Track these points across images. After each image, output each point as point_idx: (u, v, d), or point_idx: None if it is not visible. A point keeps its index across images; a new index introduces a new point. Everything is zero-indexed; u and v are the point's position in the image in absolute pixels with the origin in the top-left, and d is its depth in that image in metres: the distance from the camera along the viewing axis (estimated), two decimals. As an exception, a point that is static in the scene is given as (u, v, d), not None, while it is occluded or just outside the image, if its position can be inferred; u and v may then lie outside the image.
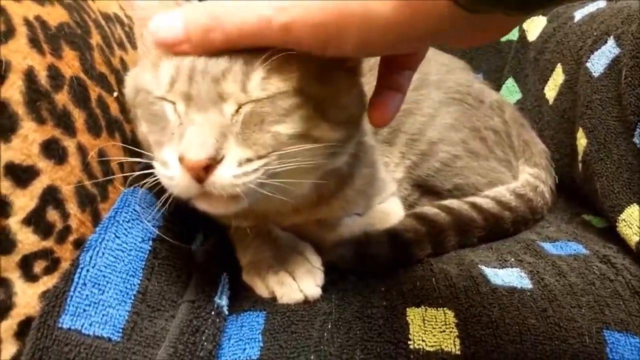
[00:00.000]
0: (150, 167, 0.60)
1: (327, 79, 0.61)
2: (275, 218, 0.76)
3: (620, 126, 0.82)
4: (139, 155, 0.63)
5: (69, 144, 0.62)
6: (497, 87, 1.35)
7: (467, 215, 0.83)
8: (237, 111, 0.57)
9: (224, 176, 0.55)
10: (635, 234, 0.73)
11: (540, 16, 1.33)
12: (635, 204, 0.75)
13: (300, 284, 0.67)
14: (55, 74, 0.62)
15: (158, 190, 0.61)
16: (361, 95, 0.66)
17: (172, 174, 0.56)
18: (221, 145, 0.55)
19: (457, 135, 0.94)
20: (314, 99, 0.59)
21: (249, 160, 0.56)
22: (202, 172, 0.54)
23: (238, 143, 0.56)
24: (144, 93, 0.61)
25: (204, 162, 0.53)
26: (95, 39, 0.73)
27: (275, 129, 0.57)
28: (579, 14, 1.14)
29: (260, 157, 0.56)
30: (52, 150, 0.60)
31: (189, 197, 0.58)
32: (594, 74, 0.91)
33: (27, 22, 0.60)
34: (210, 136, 0.54)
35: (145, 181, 0.61)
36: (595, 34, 0.98)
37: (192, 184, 0.55)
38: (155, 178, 0.59)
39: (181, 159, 0.54)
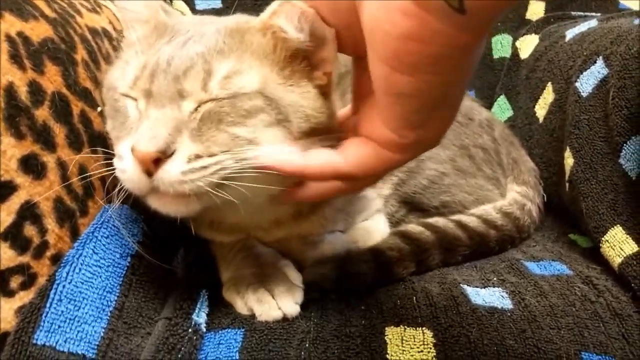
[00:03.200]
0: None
1: (293, 85, 0.61)
2: (257, 233, 0.76)
3: (607, 147, 0.81)
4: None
5: (49, 159, 0.62)
6: (489, 104, 1.36)
7: (452, 233, 0.83)
8: (196, 109, 0.57)
9: (172, 171, 0.54)
10: (618, 255, 0.73)
11: (533, 34, 1.34)
12: (619, 225, 0.75)
13: (280, 302, 0.66)
14: (36, 90, 0.62)
15: (139, 203, 0.61)
16: (330, 109, 0.64)
17: (124, 167, 0.56)
18: (174, 139, 0.55)
19: (445, 153, 0.94)
20: (277, 105, 0.59)
21: (198, 156, 0.55)
22: (152, 165, 0.54)
23: (192, 139, 0.56)
24: (112, 90, 0.62)
25: (154, 154, 0.53)
26: (81, 54, 0.73)
27: (232, 130, 0.57)
28: (570, 33, 1.15)
29: (211, 155, 0.56)
30: (31, 166, 0.60)
31: (141, 193, 0.58)
32: (582, 93, 0.91)
33: (9, 38, 0.61)
34: (162, 130, 0.54)
35: (121, 189, 0.61)
36: (585, 53, 0.98)
37: (142, 178, 0.55)
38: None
39: (132, 150, 0.54)
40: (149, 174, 0.54)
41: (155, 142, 0.53)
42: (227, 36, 0.61)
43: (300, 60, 0.62)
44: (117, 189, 0.60)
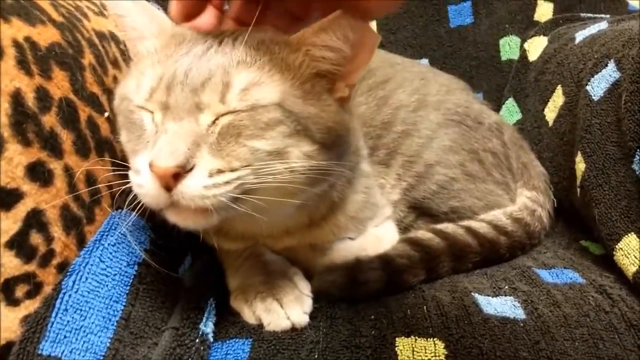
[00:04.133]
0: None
1: (313, 99, 0.61)
2: (266, 240, 0.75)
3: (619, 152, 0.80)
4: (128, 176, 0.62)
5: (55, 166, 0.62)
6: (498, 107, 1.34)
7: (462, 240, 0.82)
8: (214, 122, 0.57)
9: (193, 186, 0.54)
10: (633, 263, 0.72)
11: (542, 36, 1.33)
12: (633, 232, 0.74)
13: (288, 311, 0.65)
14: (43, 96, 0.61)
15: (141, 208, 0.61)
16: (350, 119, 0.65)
17: (141, 182, 0.56)
18: (193, 154, 0.54)
19: (454, 158, 0.93)
20: (296, 117, 0.58)
21: (220, 171, 0.55)
22: (171, 180, 0.53)
23: (212, 154, 0.55)
24: (127, 101, 0.62)
25: (173, 169, 0.53)
26: (88, 58, 0.72)
27: (252, 143, 0.57)
28: (580, 36, 1.13)
29: (233, 170, 0.55)
30: (38, 173, 0.59)
31: (159, 208, 0.57)
32: (593, 97, 0.90)
33: (16, 44, 0.60)
34: (181, 144, 0.54)
35: (131, 197, 0.60)
36: (595, 56, 0.97)
37: (161, 193, 0.54)
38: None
39: (151, 166, 0.54)
40: (168, 188, 0.54)
41: (174, 157, 0.53)
42: (252, 47, 0.60)
43: (324, 78, 0.63)
44: (126, 197, 0.59)
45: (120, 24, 0.65)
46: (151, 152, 0.55)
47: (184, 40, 0.62)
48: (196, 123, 0.56)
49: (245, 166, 0.56)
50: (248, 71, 0.58)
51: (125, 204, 0.62)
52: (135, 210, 0.60)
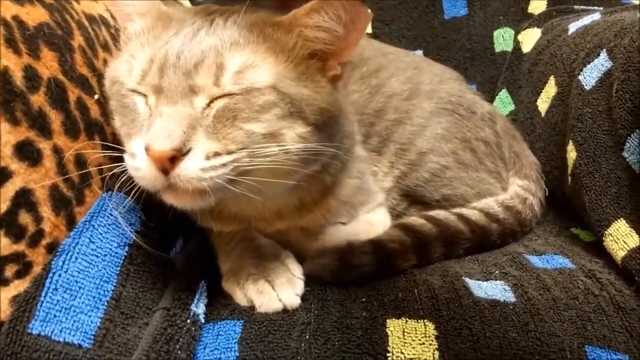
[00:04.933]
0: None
1: (307, 81, 0.61)
2: (258, 223, 0.75)
3: (610, 140, 0.81)
4: (120, 158, 0.62)
5: (44, 145, 0.61)
6: (491, 98, 1.35)
7: (453, 226, 0.82)
8: (208, 105, 0.57)
9: (190, 168, 0.54)
10: (622, 248, 0.72)
11: (535, 28, 1.33)
12: (622, 218, 0.74)
13: (280, 293, 0.65)
14: (31, 75, 0.61)
15: (137, 191, 0.61)
16: (343, 101, 0.65)
17: (138, 165, 0.56)
18: (189, 137, 0.55)
19: (447, 146, 0.93)
20: (290, 99, 0.59)
21: (217, 154, 0.55)
22: (168, 163, 0.54)
23: (207, 136, 0.56)
24: (118, 84, 0.61)
25: (169, 152, 0.53)
26: (78, 40, 0.72)
27: (248, 126, 0.57)
28: (573, 27, 1.14)
29: (229, 153, 0.56)
30: (26, 152, 0.59)
31: (156, 190, 0.58)
32: (585, 86, 0.90)
33: (4, 22, 0.59)
34: (177, 127, 0.54)
35: (122, 179, 0.61)
36: (588, 47, 0.97)
37: (158, 175, 0.55)
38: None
39: (147, 149, 0.54)
40: (165, 171, 0.54)
41: (171, 140, 0.53)
42: (245, 28, 0.60)
43: (317, 58, 0.63)
44: (117, 180, 0.59)
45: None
46: (146, 136, 0.55)
47: (170, 20, 0.62)
48: (191, 106, 0.56)
49: (241, 149, 0.57)
50: (241, 53, 0.58)
51: (117, 187, 0.62)
52: (128, 193, 0.60)
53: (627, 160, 0.76)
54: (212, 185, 0.55)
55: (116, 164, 0.61)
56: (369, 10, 0.61)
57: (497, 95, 1.35)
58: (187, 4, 1.32)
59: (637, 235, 0.72)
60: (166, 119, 0.55)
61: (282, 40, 0.61)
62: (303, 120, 0.60)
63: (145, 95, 0.59)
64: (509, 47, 1.39)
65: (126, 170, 0.59)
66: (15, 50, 0.60)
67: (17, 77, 0.59)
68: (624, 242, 0.73)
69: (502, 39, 1.41)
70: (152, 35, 0.61)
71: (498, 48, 1.41)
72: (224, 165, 0.55)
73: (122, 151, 0.61)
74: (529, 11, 1.42)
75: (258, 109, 0.57)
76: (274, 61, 0.60)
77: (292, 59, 0.61)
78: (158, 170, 0.54)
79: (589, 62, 0.93)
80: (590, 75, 0.90)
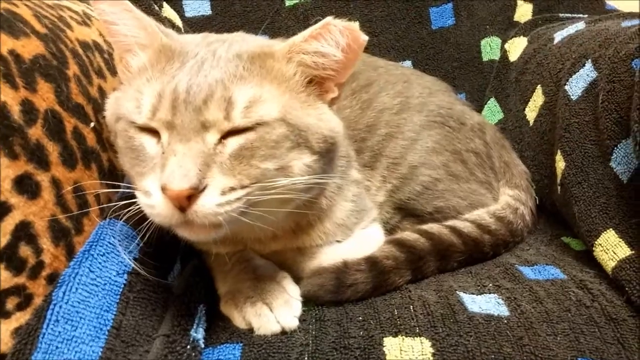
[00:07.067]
0: (129, 196, 0.61)
1: (309, 108, 0.63)
2: (254, 245, 0.76)
3: (597, 150, 0.82)
4: (117, 186, 0.63)
5: (43, 178, 0.62)
6: (480, 107, 1.36)
7: (447, 240, 0.84)
8: (220, 140, 0.58)
9: (207, 205, 0.56)
10: (611, 259, 0.74)
11: (522, 36, 1.35)
12: (611, 229, 0.76)
13: (278, 315, 0.66)
14: (29, 108, 0.62)
15: (136, 220, 0.62)
16: (341, 124, 0.67)
17: (153, 203, 0.57)
18: (204, 174, 0.56)
19: (438, 159, 0.95)
20: (298, 130, 0.61)
21: (232, 189, 0.57)
22: (185, 201, 0.55)
23: (223, 172, 0.57)
24: (124, 123, 0.62)
25: (187, 191, 0.54)
26: (73, 69, 0.73)
27: (264, 165, 0.59)
28: (558, 36, 1.16)
29: (243, 187, 0.58)
30: (25, 186, 0.60)
31: (171, 226, 0.59)
32: (572, 97, 0.92)
33: (1, 57, 0.60)
34: (193, 166, 0.55)
35: (125, 211, 0.62)
36: (573, 56, 0.99)
37: (174, 213, 0.56)
38: (136, 208, 0.60)
39: (164, 189, 0.55)
40: (182, 209, 0.55)
41: (188, 179, 0.54)
42: (247, 61, 0.62)
43: (315, 83, 0.65)
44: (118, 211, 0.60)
45: (110, 31, 0.65)
46: (162, 175, 0.56)
47: (173, 53, 0.62)
48: (203, 143, 0.58)
49: (254, 183, 0.58)
50: (247, 87, 0.60)
51: (118, 216, 0.63)
52: (129, 223, 0.61)
53: (615, 170, 0.78)
54: (227, 218, 0.57)
55: (114, 190, 0.62)
56: (364, 35, 0.63)
57: (485, 104, 1.36)
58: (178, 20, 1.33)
59: (627, 246, 0.73)
60: (181, 157, 0.56)
61: (283, 70, 0.63)
62: (309, 149, 0.62)
63: (155, 132, 0.60)
64: (496, 56, 1.41)
65: (128, 202, 0.60)
66: (13, 85, 0.61)
67: (15, 111, 0.60)
68: (614, 252, 0.74)
69: (490, 48, 1.43)
70: (156, 69, 0.62)
71: (485, 57, 1.43)
72: (239, 199, 0.57)
73: (119, 181, 0.61)
74: (515, 19, 1.44)
75: (273, 144, 0.59)
76: (279, 93, 0.61)
77: (293, 87, 0.64)
78: (175, 208, 0.55)
79: (575, 72, 0.94)
80: (576, 85, 0.92)
